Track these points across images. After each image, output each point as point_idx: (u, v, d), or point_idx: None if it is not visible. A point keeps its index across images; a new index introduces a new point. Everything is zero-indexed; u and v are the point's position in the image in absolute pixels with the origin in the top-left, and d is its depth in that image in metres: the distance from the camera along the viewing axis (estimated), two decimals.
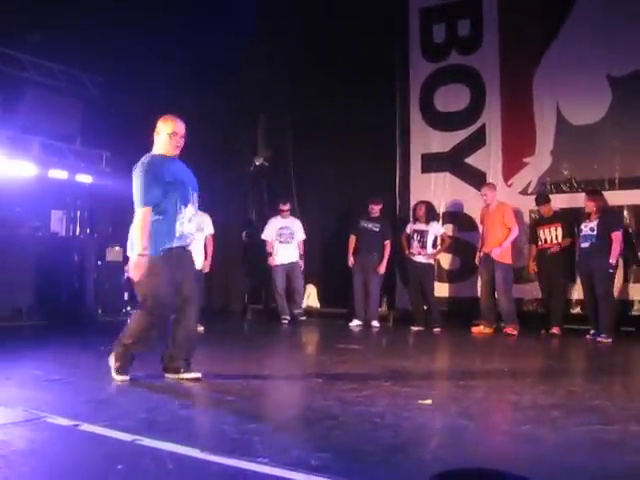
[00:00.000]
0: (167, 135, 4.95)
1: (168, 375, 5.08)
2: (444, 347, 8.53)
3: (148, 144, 5.10)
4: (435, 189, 10.56)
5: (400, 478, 2.92)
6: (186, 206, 4.96)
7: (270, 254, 10.53)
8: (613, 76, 9.22)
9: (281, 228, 10.60)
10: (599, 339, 8.21)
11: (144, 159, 4.93)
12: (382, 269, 10.08)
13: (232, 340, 8.62)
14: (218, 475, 2.90)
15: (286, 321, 10.42)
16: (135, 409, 4.09)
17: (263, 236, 10.66)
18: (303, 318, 10.62)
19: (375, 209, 10.21)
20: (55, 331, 8.74)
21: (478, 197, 9.88)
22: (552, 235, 9.08)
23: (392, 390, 4.92)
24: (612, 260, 8.38)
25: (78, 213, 11.61)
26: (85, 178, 11.02)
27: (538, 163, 9.76)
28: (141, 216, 4.79)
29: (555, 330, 8.87)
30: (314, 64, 11.15)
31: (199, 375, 5.09)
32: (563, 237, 9.02)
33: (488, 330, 9.15)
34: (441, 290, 10.23)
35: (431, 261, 9.87)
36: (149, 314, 4.91)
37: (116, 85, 11.02)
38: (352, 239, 10.26)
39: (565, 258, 9.07)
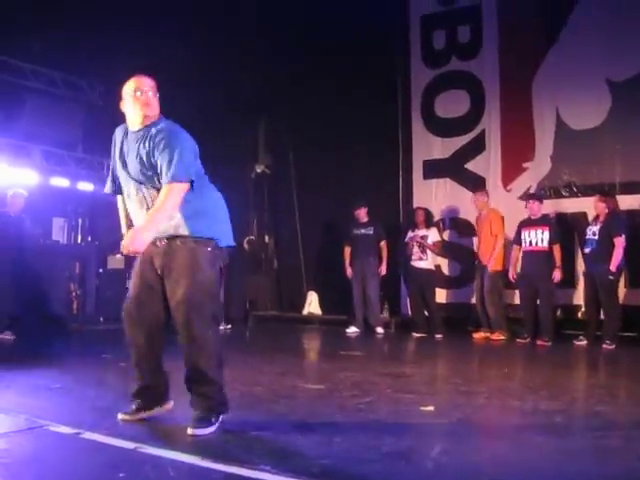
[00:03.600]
0: None
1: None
2: (445, 353, 8.52)
3: None
4: (436, 195, 10.58)
5: None
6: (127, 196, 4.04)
7: None
8: (612, 81, 9.22)
9: None
10: (603, 345, 8.14)
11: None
12: (383, 270, 10.06)
13: (234, 347, 8.61)
14: None
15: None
16: None
17: None
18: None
19: (362, 214, 10.21)
20: (57, 339, 8.74)
21: None
22: (538, 238, 8.83)
23: (394, 397, 4.92)
24: (613, 267, 8.15)
25: (80, 221, 11.63)
26: (86, 186, 11.04)
27: (537, 168, 9.77)
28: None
29: (542, 342, 8.58)
30: (315, 71, 11.15)
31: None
32: (549, 241, 8.76)
33: (498, 336, 9.08)
34: (442, 296, 10.23)
35: (432, 267, 9.87)
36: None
37: (117, 92, 11.03)
38: (347, 250, 10.25)
39: (552, 262, 8.76)
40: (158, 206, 3.72)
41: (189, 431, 3.63)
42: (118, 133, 4.08)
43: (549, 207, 9.40)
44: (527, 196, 9.40)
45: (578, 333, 8.62)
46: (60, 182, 10.63)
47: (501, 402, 4.95)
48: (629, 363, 7.53)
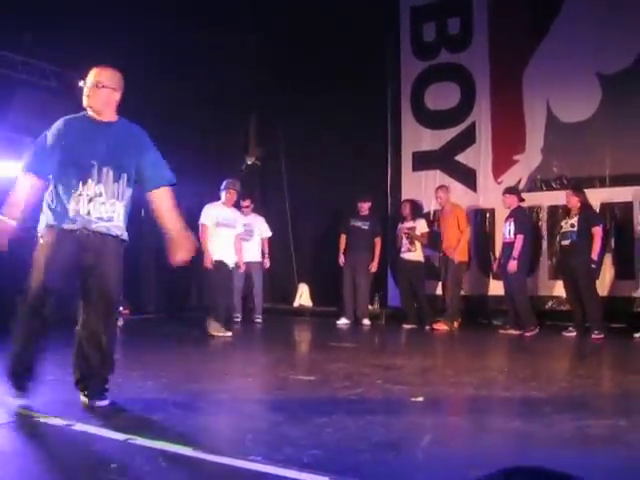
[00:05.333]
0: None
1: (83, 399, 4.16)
2: (436, 345, 8.55)
3: None
4: (426, 187, 10.58)
5: (392, 475, 2.93)
6: (85, 182, 4.08)
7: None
8: (603, 74, 9.25)
9: (242, 225, 10.43)
10: (592, 336, 8.20)
11: None
12: (374, 267, 10.12)
13: (225, 339, 8.62)
14: (211, 473, 2.91)
15: (237, 319, 10.15)
16: (128, 408, 4.10)
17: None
18: (259, 321, 10.40)
19: (364, 207, 10.24)
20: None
21: (469, 195, 10.03)
22: (506, 230, 8.94)
23: (384, 388, 4.94)
24: (594, 256, 8.30)
25: None
26: None
27: (528, 160, 9.80)
28: (17, 181, 4.20)
29: (529, 333, 8.63)
30: (305, 63, 11.15)
31: (106, 402, 4.11)
32: (515, 233, 8.78)
33: (440, 326, 9.31)
34: (431, 288, 10.23)
35: (421, 258, 9.91)
36: (21, 302, 4.25)
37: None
38: (342, 238, 10.30)
39: (522, 255, 8.79)
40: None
41: None
42: None
43: (540, 199, 9.49)
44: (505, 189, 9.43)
45: (567, 324, 8.67)
46: None
47: (491, 393, 4.97)
48: (617, 354, 7.57)
